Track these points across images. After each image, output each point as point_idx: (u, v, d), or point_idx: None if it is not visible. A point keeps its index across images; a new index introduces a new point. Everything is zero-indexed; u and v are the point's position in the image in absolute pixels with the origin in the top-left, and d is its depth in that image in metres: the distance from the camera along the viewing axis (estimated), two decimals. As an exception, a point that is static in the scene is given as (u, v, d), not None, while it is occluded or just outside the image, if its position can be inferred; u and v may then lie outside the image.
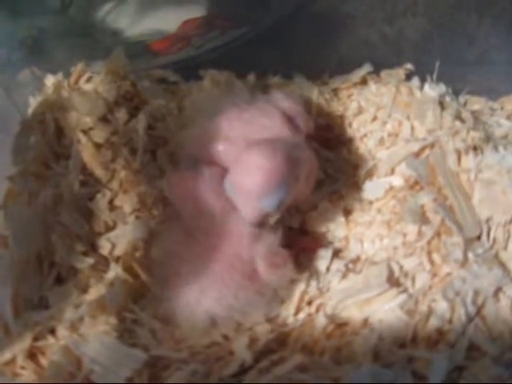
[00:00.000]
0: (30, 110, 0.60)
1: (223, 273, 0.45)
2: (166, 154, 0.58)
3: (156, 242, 0.50)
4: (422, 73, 0.63)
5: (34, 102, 0.61)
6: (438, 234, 0.51)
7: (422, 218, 0.51)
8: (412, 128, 0.58)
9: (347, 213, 0.55)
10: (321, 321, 0.47)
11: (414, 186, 0.54)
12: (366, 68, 0.64)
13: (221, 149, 0.49)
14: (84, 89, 0.61)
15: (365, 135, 0.60)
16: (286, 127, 0.50)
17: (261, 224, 0.46)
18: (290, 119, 0.51)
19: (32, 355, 0.46)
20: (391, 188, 0.55)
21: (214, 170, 0.49)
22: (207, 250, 0.46)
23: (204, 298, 0.45)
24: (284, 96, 0.53)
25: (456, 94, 0.64)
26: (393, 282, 0.48)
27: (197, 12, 0.74)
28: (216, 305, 0.45)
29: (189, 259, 0.46)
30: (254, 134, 0.49)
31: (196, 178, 0.48)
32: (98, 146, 0.56)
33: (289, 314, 0.48)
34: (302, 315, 0.48)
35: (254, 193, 0.45)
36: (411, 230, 0.51)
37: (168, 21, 0.73)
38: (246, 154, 0.45)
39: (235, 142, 0.49)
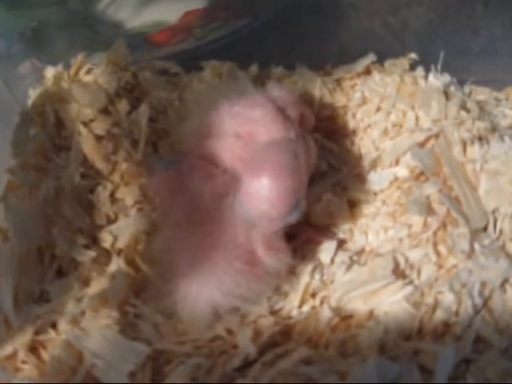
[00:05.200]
0: (29, 102, 0.60)
1: (221, 260, 0.44)
2: (168, 146, 0.57)
3: (154, 240, 0.49)
4: (426, 63, 0.62)
5: (33, 94, 0.60)
6: (443, 225, 0.50)
7: (428, 209, 0.51)
8: (417, 118, 0.58)
9: (351, 204, 0.55)
10: (325, 313, 0.46)
11: (419, 176, 0.54)
12: (370, 58, 0.63)
13: (211, 145, 0.48)
14: (84, 80, 0.60)
15: (369, 126, 0.59)
16: (278, 118, 0.48)
17: None
18: (281, 109, 0.49)
19: (33, 349, 0.45)
20: (396, 179, 0.54)
21: (191, 162, 0.48)
22: (202, 240, 0.45)
23: (204, 288, 0.44)
24: (277, 86, 0.52)
25: (461, 84, 0.64)
26: (398, 273, 0.48)
27: (198, 3, 0.74)
28: (217, 293, 0.44)
29: (185, 252, 0.45)
30: (242, 127, 0.48)
31: (177, 173, 0.47)
32: (98, 138, 0.56)
33: (293, 306, 0.48)
34: (306, 308, 0.48)
35: (276, 219, 0.45)
36: (416, 221, 0.51)
37: (169, 12, 0.72)
38: (256, 181, 0.44)
39: (225, 138, 0.48)
